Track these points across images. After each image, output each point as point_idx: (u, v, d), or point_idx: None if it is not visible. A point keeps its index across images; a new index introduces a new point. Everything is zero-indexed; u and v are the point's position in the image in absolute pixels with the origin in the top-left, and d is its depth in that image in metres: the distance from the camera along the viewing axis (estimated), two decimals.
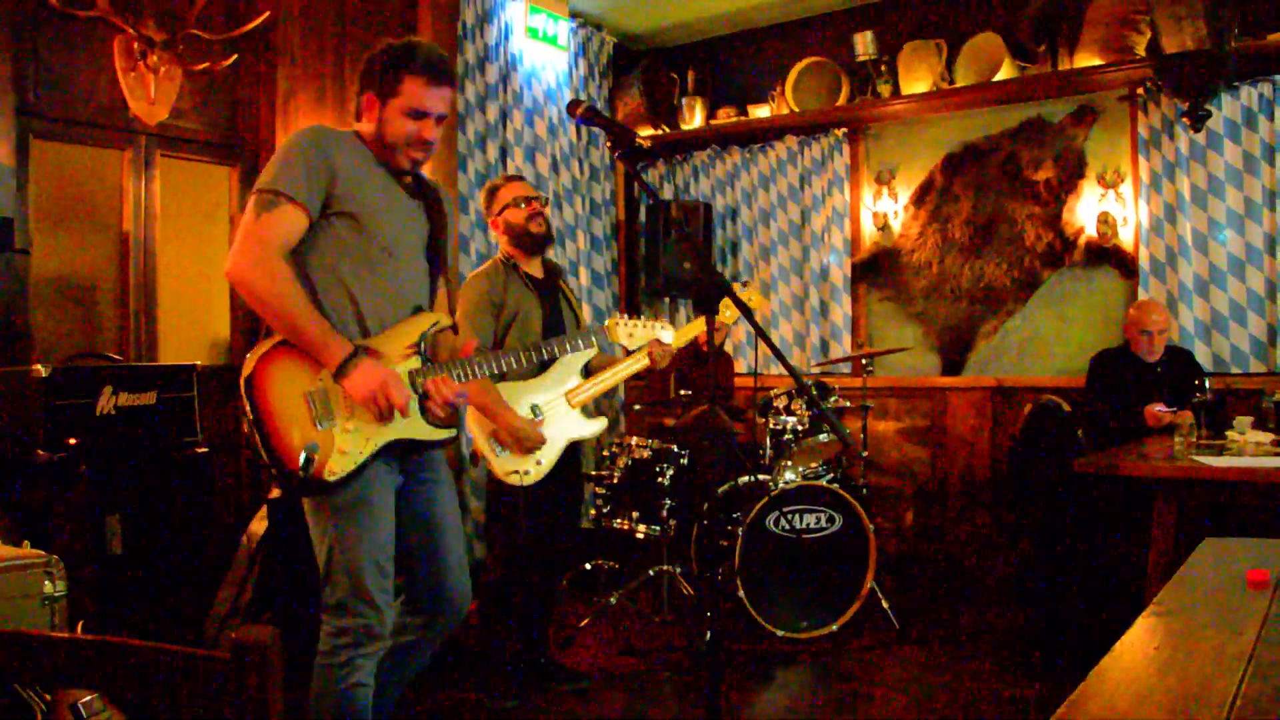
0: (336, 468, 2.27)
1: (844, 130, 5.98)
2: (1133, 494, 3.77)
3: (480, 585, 3.80)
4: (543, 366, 3.51)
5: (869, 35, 5.76)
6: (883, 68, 5.75)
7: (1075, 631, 4.21)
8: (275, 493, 3.77)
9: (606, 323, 2.99)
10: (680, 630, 4.37)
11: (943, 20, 5.71)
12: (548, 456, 3.46)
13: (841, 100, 5.89)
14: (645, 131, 6.36)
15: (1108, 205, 5.28)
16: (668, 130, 6.44)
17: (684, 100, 6.45)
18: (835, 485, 4.40)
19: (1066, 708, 1.16)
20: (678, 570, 4.48)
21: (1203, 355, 4.92)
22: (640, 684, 3.83)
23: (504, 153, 5.59)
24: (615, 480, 4.54)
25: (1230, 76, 4.75)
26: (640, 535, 4.49)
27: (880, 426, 5.82)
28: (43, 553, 2.53)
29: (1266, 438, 3.71)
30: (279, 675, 1.09)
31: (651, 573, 4.46)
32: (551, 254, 5.75)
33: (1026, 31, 5.34)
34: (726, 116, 6.31)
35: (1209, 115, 4.81)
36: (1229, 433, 3.85)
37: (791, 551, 4.26)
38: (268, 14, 4.34)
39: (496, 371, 2.54)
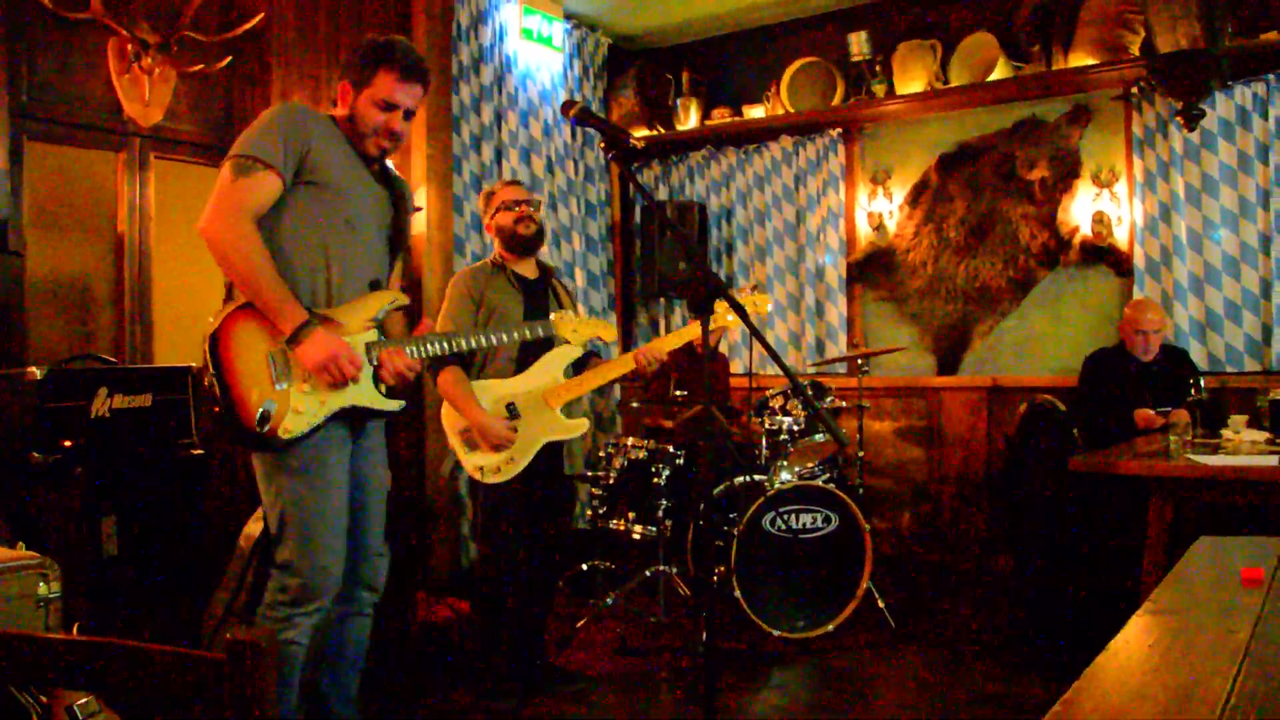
0: (291, 426, 2.39)
1: (839, 130, 5.98)
2: (1128, 493, 3.77)
3: (474, 587, 3.80)
4: (521, 365, 3.52)
5: (863, 35, 5.76)
6: (877, 68, 5.76)
7: (1070, 630, 4.22)
8: None
9: (552, 317, 3.08)
10: (677, 631, 4.37)
11: (937, 20, 5.72)
12: (521, 455, 3.45)
13: (836, 100, 5.90)
14: (640, 132, 6.37)
15: (1102, 204, 5.30)
16: (662, 131, 6.45)
17: (679, 101, 6.45)
18: (831, 485, 4.40)
19: (1061, 705, 1.16)
20: (674, 571, 4.48)
21: (1197, 354, 4.93)
22: (637, 684, 3.83)
23: (499, 154, 5.59)
24: (611, 481, 4.53)
25: (1224, 76, 4.76)
26: (637, 536, 4.49)
27: (876, 426, 5.82)
28: (37, 554, 2.53)
29: (1261, 436, 3.71)
30: (274, 676, 1.09)
31: (648, 573, 4.46)
32: (547, 255, 5.78)
33: (1021, 31, 5.36)
34: (721, 117, 6.32)
35: (1203, 114, 4.82)
36: (1224, 431, 3.86)
37: (788, 551, 4.26)
38: (261, 16, 4.34)
39: (448, 350, 2.72)
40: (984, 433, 5.55)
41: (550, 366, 3.53)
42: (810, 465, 4.63)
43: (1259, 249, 4.92)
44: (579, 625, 4.32)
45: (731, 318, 3.66)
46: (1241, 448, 3.61)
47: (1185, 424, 3.95)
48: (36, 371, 3.23)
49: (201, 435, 3.68)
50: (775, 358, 2.21)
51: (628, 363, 3.51)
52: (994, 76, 5.40)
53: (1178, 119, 4.90)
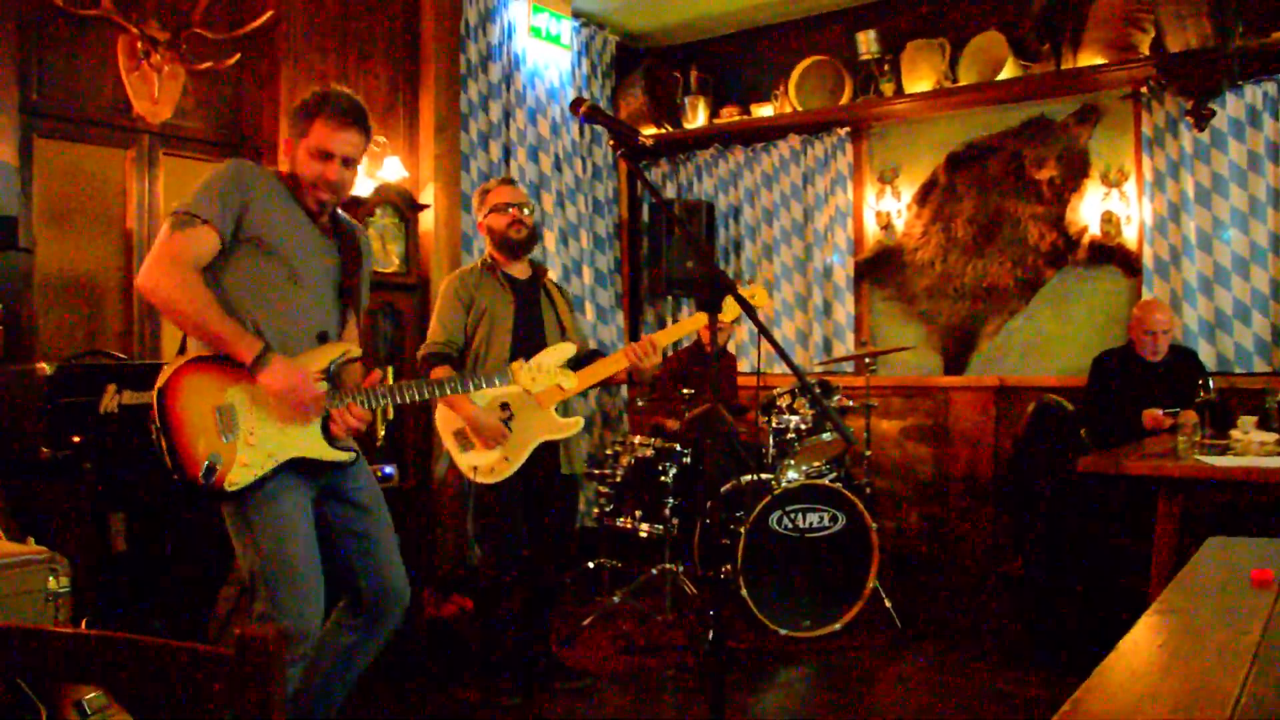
0: (236, 479, 2.38)
1: (847, 129, 5.97)
2: (1136, 493, 3.76)
3: (477, 585, 3.80)
4: None
5: (872, 34, 5.76)
6: (886, 67, 5.75)
7: (1078, 630, 4.21)
8: None
9: (510, 366, 2.91)
10: (683, 629, 4.36)
11: (946, 19, 5.71)
12: (515, 455, 3.45)
13: (844, 99, 5.89)
14: (648, 130, 6.37)
15: (1111, 204, 5.28)
16: (670, 129, 6.44)
17: (687, 99, 6.45)
18: (838, 484, 4.40)
19: (1070, 706, 1.16)
20: (681, 569, 4.48)
21: (1206, 355, 4.91)
22: (643, 683, 3.83)
23: (507, 152, 5.59)
24: (618, 479, 4.54)
25: (1234, 75, 4.74)
26: (643, 534, 4.49)
27: (883, 426, 5.82)
28: (46, 549, 2.54)
29: (1270, 437, 3.69)
30: (282, 672, 1.09)
31: (654, 571, 4.46)
32: (555, 253, 5.78)
33: (1030, 30, 5.34)
34: (729, 115, 6.31)
35: (1213, 114, 4.80)
36: (1232, 432, 3.84)
37: (794, 550, 4.26)
38: (271, 13, 4.34)
39: (401, 401, 2.69)
40: (991, 432, 5.54)
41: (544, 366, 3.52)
42: (817, 464, 4.63)
43: (1269, 249, 4.89)
44: (585, 623, 4.32)
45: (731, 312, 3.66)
46: (1250, 448, 3.59)
47: (1194, 425, 3.94)
48: (46, 367, 3.24)
49: None
50: (782, 354, 2.20)
51: (620, 360, 3.49)
52: (1003, 75, 5.39)
53: (1187, 118, 4.88)
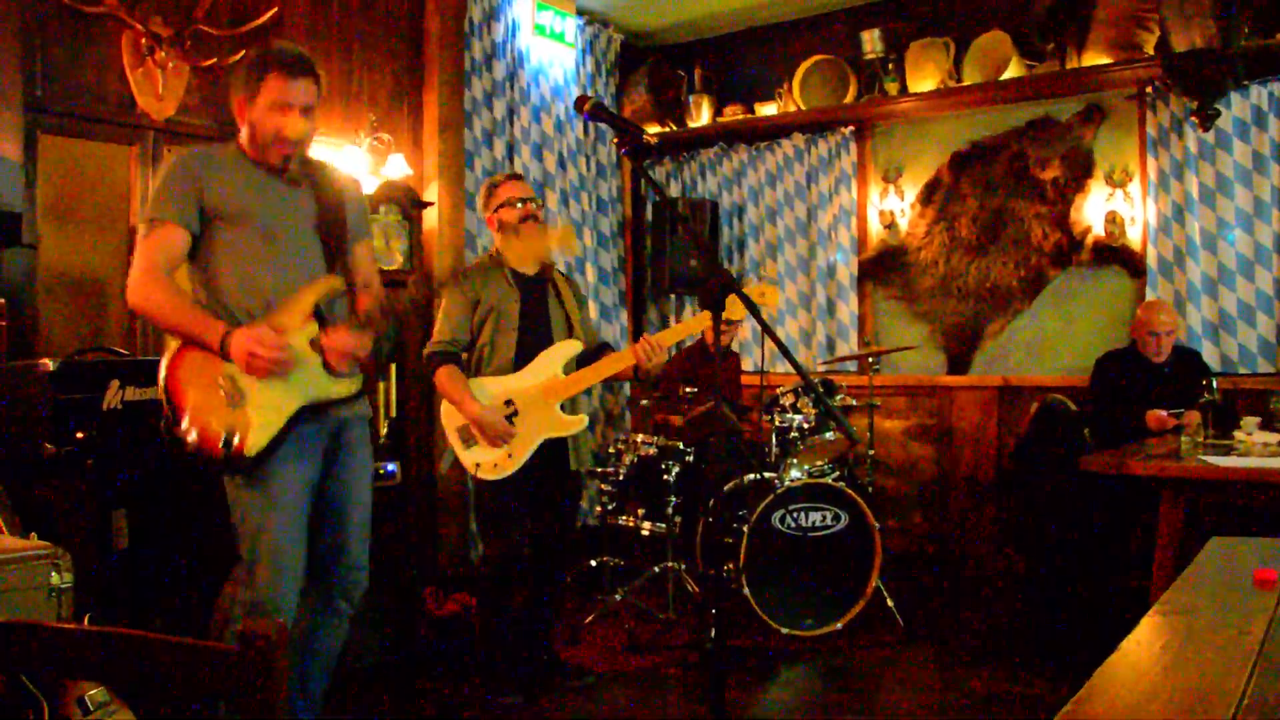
0: (255, 441, 2.47)
1: (851, 128, 5.97)
2: (1139, 494, 3.76)
3: (479, 583, 3.81)
4: (520, 362, 3.51)
5: (876, 33, 5.75)
6: (890, 66, 5.75)
7: (1081, 630, 4.20)
8: None
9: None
10: (685, 627, 4.37)
11: (950, 18, 5.70)
12: (519, 452, 3.45)
13: (849, 98, 5.89)
14: (652, 129, 6.37)
15: (1115, 204, 5.27)
16: (674, 127, 6.44)
17: (691, 97, 6.44)
18: (841, 483, 4.39)
19: (1073, 705, 1.16)
20: (683, 567, 4.48)
21: (1210, 355, 4.90)
22: (645, 681, 3.83)
23: (511, 149, 5.59)
24: (621, 477, 4.54)
25: (1239, 76, 4.73)
26: (645, 532, 4.49)
27: (886, 425, 5.81)
28: (49, 545, 2.54)
29: (1274, 438, 3.70)
30: (285, 667, 1.09)
31: (657, 570, 4.46)
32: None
33: (1034, 30, 5.33)
34: (733, 114, 6.31)
35: (1218, 114, 4.79)
36: (1236, 433, 3.84)
37: (797, 549, 4.25)
38: (274, 9, 4.34)
39: (390, 316, 2.77)
40: (994, 432, 5.53)
41: (549, 363, 3.52)
42: (820, 463, 4.63)
43: (1274, 250, 4.88)
44: (587, 621, 4.33)
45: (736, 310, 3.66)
46: (1254, 449, 3.59)
47: (1197, 425, 3.94)
48: (49, 363, 3.24)
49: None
50: (786, 353, 2.20)
51: (626, 357, 3.49)
52: (1007, 75, 5.38)
53: (1192, 119, 4.87)
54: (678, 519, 4.41)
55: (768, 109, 6.19)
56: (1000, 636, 4.35)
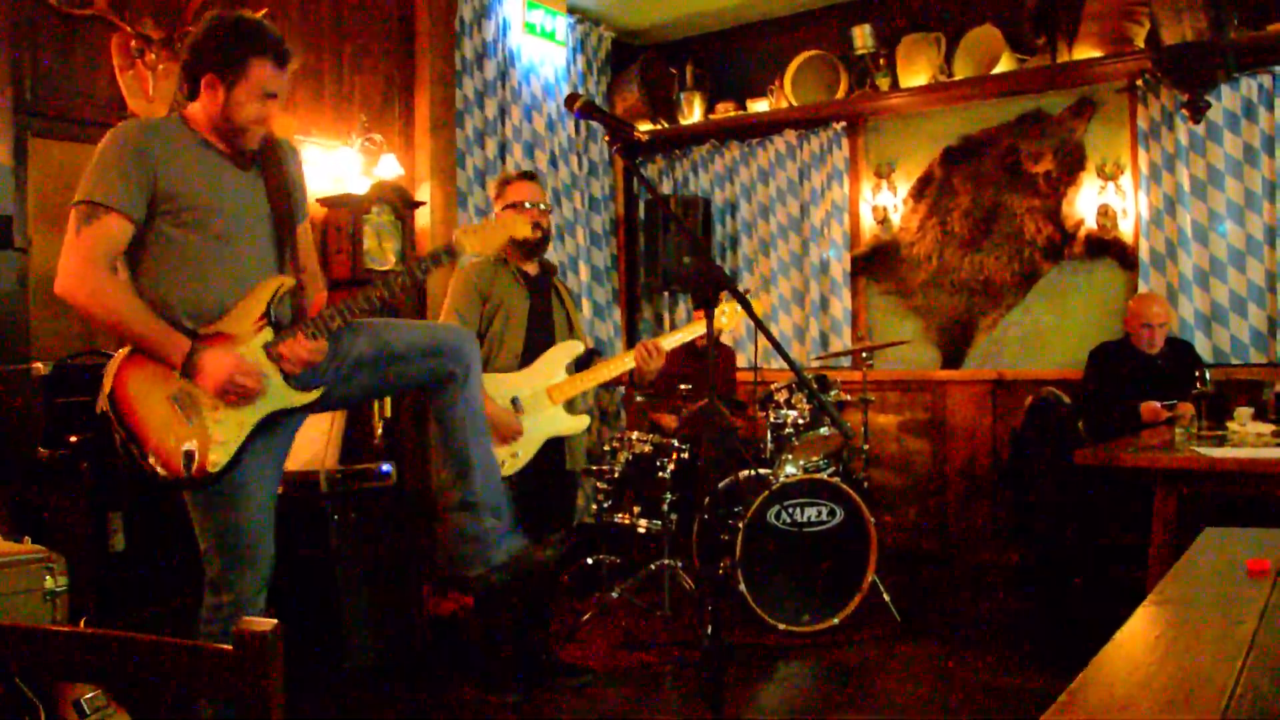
0: (217, 458, 2.29)
1: (843, 124, 5.97)
2: (1133, 486, 3.77)
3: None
4: (524, 361, 3.52)
5: (867, 28, 5.75)
6: (881, 61, 5.75)
7: (1076, 622, 4.21)
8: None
9: (455, 232, 2.72)
10: (682, 625, 4.37)
11: (941, 13, 5.70)
12: (525, 450, 3.45)
13: (840, 94, 5.89)
14: (644, 126, 6.36)
15: (1107, 197, 5.28)
16: (666, 125, 6.44)
17: (682, 95, 6.44)
18: (836, 479, 4.40)
19: (1068, 696, 1.16)
20: (679, 565, 4.48)
21: (1203, 347, 4.92)
22: (642, 679, 3.83)
23: (503, 148, 5.59)
24: (616, 475, 4.54)
25: (1230, 68, 4.74)
26: (641, 530, 4.49)
27: (881, 420, 5.82)
28: (43, 548, 2.53)
29: (1267, 429, 3.70)
30: (280, 668, 1.09)
31: (653, 567, 4.46)
32: (551, 249, 5.77)
33: (1025, 24, 5.34)
34: (725, 111, 6.31)
35: (1209, 107, 4.81)
36: (1229, 424, 3.85)
37: (793, 545, 4.26)
38: (264, 11, 4.33)
39: (347, 320, 2.42)
40: (989, 426, 5.54)
41: (553, 363, 3.54)
42: (815, 459, 4.63)
43: (1265, 241, 4.90)
44: (584, 619, 4.33)
45: (727, 319, 3.68)
46: (1247, 440, 3.60)
47: (1191, 417, 3.94)
48: (42, 367, 3.24)
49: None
50: (779, 349, 2.21)
51: (628, 361, 3.52)
52: (998, 69, 5.38)
53: (1183, 111, 4.88)
54: (674, 516, 4.42)
55: (759, 105, 6.19)
56: (996, 629, 4.36)
